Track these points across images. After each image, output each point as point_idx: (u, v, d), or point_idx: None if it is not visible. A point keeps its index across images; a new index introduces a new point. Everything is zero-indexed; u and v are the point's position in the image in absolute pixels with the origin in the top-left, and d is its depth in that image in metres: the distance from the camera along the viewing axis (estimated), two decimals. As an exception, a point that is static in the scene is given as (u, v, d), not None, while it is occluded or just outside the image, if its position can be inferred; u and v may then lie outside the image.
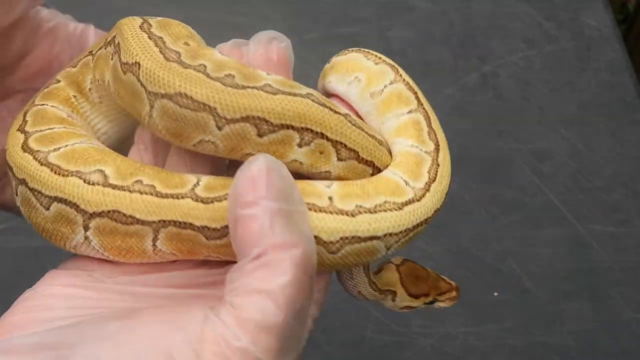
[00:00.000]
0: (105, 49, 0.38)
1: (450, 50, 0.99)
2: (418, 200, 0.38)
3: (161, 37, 0.36)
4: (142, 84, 0.35)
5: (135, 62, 0.35)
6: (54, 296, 0.35)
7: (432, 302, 0.47)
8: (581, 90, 0.97)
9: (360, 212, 0.36)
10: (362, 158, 0.39)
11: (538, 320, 0.79)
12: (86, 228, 0.35)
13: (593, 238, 0.84)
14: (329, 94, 0.43)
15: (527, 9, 1.04)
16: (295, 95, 0.36)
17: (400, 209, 0.37)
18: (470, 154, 0.90)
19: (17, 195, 0.37)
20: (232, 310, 0.30)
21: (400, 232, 0.37)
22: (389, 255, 0.39)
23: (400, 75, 0.42)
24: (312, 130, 0.36)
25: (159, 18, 0.38)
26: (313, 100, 0.36)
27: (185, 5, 0.97)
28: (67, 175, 0.35)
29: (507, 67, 0.98)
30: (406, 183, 0.39)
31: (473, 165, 0.89)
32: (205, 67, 0.35)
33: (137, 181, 0.35)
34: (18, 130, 0.38)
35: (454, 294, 0.47)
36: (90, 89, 0.40)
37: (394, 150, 0.41)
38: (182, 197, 0.34)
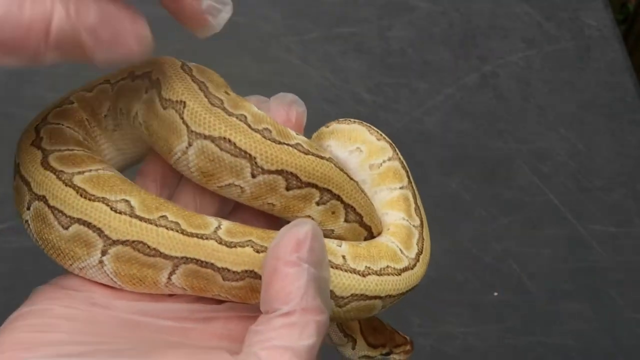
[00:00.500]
0: (133, 81, 0.39)
1: (450, 50, 0.99)
2: (411, 269, 0.42)
3: (203, 82, 0.38)
4: (184, 122, 0.37)
5: (180, 101, 0.37)
6: (57, 317, 0.35)
7: (387, 354, 0.50)
8: (581, 90, 0.97)
9: (369, 273, 0.40)
10: (364, 223, 0.42)
11: (538, 320, 0.79)
12: (104, 253, 0.36)
13: (593, 238, 0.84)
14: None
15: (527, 9, 1.04)
16: (322, 158, 0.39)
17: (399, 274, 0.41)
18: (470, 154, 0.90)
19: (27, 209, 0.37)
20: None
21: (397, 294, 0.41)
22: (380, 313, 0.43)
23: (397, 154, 0.46)
24: (331, 192, 0.40)
25: (194, 64, 0.40)
26: (335, 165, 0.40)
27: (185, 5, 0.97)
28: (93, 200, 0.36)
29: (507, 67, 0.98)
30: (401, 251, 0.43)
31: (473, 165, 0.89)
32: (245, 117, 0.37)
33: (162, 216, 0.36)
34: (32, 145, 0.39)
35: (408, 347, 0.50)
36: (105, 116, 0.41)
37: (386, 220, 0.45)
38: (207, 238, 0.37)
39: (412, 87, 0.95)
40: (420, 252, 0.44)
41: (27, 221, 0.38)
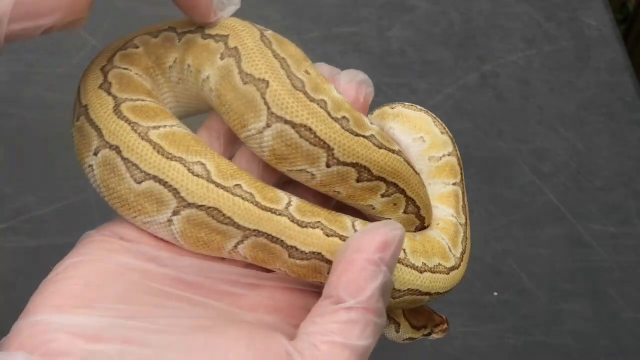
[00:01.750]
0: (205, 39, 0.39)
1: (450, 50, 0.99)
2: (457, 269, 0.43)
3: (285, 60, 0.37)
4: (266, 102, 0.36)
5: (264, 80, 0.36)
6: (113, 271, 0.34)
7: (429, 334, 0.51)
8: (581, 90, 0.97)
9: (425, 270, 0.41)
10: (420, 215, 0.43)
11: (538, 320, 0.79)
12: (176, 213, 0.36)
13: (593, 238, 0.84)
14: None
15: (527, 9, 1.04)
16: (393, 152, 0.39)
17: (448, 273, 0.42)
18: (470, 154, 0.90)
19: (94, 155, 0.37)
20: (317, 354, 0.33)
21: (444, 292, 0.42)
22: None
23: (456, 150, 0.47)
24: (397, 186, 0.40)
25: (272, 32, 0.39)
26: (404, 159, 0.40)
27: (185, 5, 0.97)
28: (170, 159, 0.36)
29: (507, 67, 0.98)
30: (449, 249, 0.43)
31: (473, 165, 0.89)
32: (326, 103, 0.37)
33: (237, 185, 0.36)
34: (101, 89, 0.37)
35: (445, 326, 0.50)
36: (170, 67, 0.40)
37: (436, 214, 0.45)
38: (280, 215, 0.36)
39: (412, 87, 0.95)
40: (464, 252, 0.44)
41: (91, 166, 0.37)
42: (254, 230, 0.36)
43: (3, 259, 0.77)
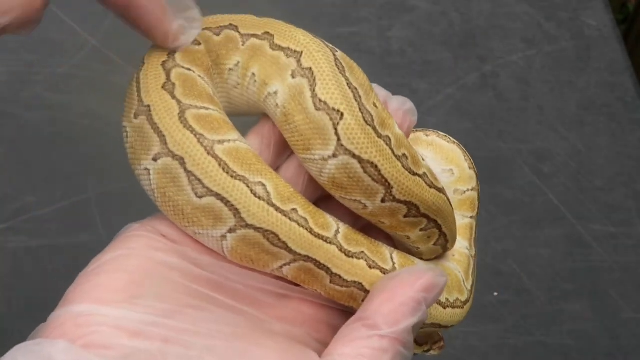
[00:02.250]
0: (273, 50, 0.38)
1: (450, 50, 0.99)
2: (468, 302, 0.44)
3: (357, 89, 0.36)
4: (337, 133, 0.36)
5: (338, 110, 0.35)
6: (154, 270, 0.34)
7: (428, 350, 0.52)
8: (581, 90, 0.97)
9: (448, 306, 0.42)
10: (447, 247, 0.43)
11: (538, 320, 0.79)
12: (232, 231, 0.35)
13: (593, 238, 0.84)
14: None
15: (527, 9, 1.04)
16: (439, 191, 0.39)
17: (462, 307, 0.43)
18: (470, 154, 0.90)
19: (154, 160, 0.36)
20: None
21: (457, 325, 0.43)
22: None
23: (478, 185, 0.48)
24: (436, 222, 0.40)
25: (341, 53, 0.38)
26: (447, 197, 0.41)
27: (185, 5, 0.97)
28: (234, 178, 0.35)
29: (507, 67, 0.98)
30: (463, 282, 0.44)
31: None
32: (390, 140, 0.37)
33: (293, 209, 0.36)
34: (164, 89, 0.36)
35: (442, 343, 0.52)
36: (230, 70, 0.39)
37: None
38: (330, 243, 0.37)
39: (412, 87, 0.95)
40: (473, 284, 0.45)
41: (147, 169, 0.36)
42: (304, 256, 0.36)
43: (3, 259, 0.77)
